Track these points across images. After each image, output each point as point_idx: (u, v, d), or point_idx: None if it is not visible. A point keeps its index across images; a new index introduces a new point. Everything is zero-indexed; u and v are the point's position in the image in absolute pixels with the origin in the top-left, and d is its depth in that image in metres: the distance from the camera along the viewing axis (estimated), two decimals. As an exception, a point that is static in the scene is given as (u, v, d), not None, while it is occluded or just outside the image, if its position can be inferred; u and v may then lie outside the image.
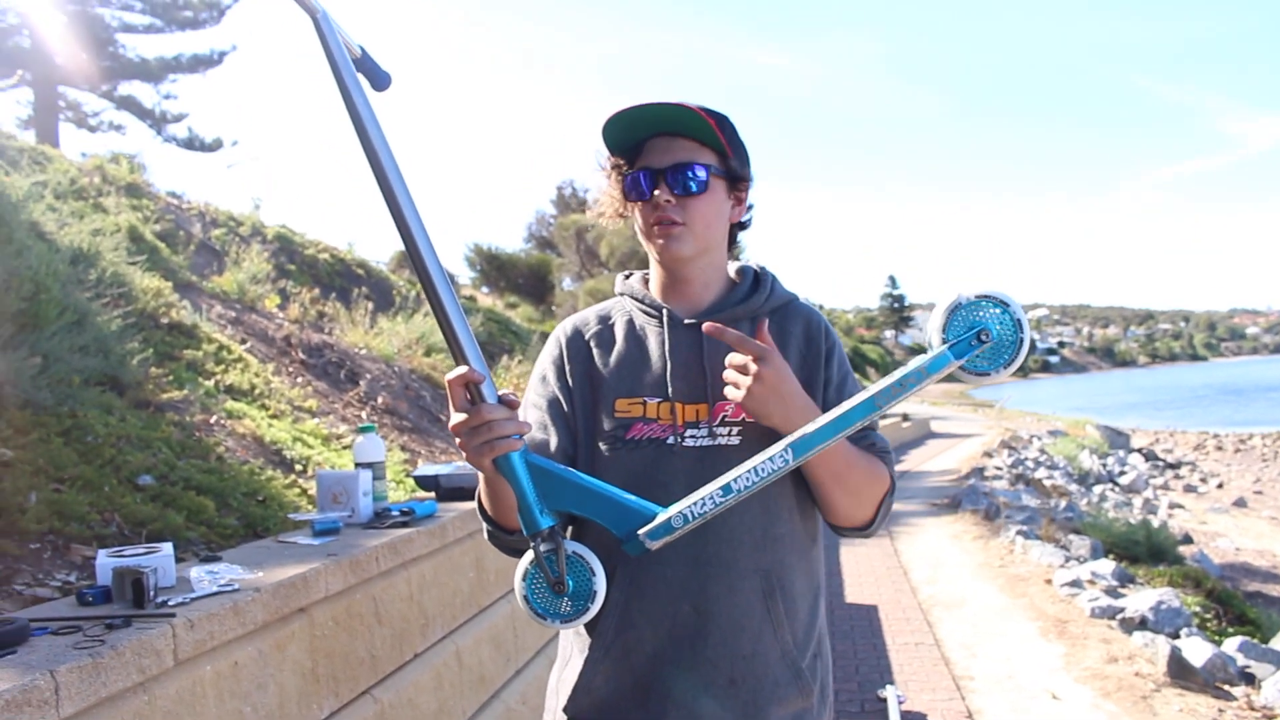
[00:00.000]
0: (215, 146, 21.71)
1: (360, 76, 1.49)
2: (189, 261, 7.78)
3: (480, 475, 1.59)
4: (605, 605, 1.64)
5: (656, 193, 1.67)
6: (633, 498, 1.50)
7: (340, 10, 1.50)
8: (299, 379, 6.61)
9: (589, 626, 1.69)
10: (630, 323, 1.79)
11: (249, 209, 10.79)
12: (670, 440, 1.66)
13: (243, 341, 6.52)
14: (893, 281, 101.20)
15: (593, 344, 1.78)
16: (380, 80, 1.55)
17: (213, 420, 4.68)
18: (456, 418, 1.44)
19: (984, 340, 1.37)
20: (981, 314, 1.38)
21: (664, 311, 1.74)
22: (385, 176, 1.45)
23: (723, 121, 1.70)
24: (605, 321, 1.81)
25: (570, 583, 1.47)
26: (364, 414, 6.57)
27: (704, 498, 1.45)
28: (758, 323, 1.68)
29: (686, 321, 1.73)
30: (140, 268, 5.94)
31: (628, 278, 1.88)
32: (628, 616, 1.65)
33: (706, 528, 1.61)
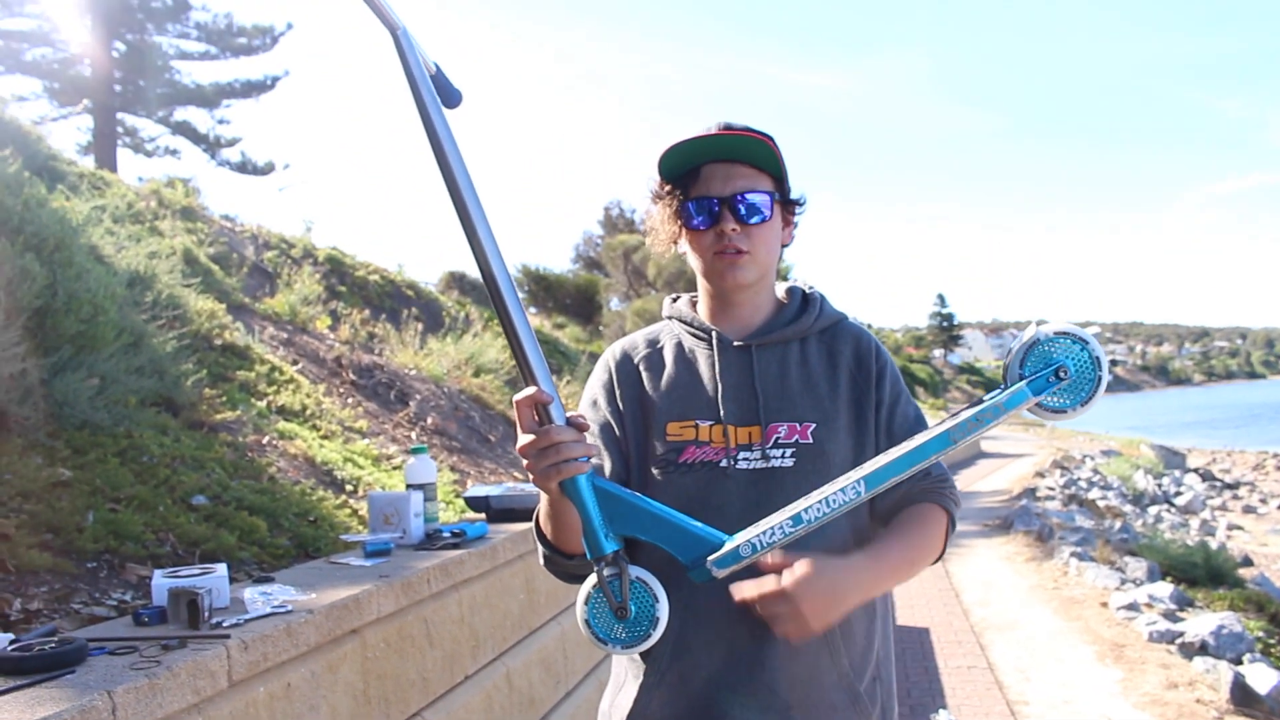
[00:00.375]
0: (268, 170, 22.09)
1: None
2: (242, 283, 7.90)
3: (542, 497, 1.58)
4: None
5: (723, 222, 1.66)
6: (699, 524, 1.49)
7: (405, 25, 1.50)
8: (349, 400, 6.67)
9: (644, 653, 1.66)
10: (679, 346, 1.78)
11: (301, 231, 10.95)
12: (723, 463, 1.65)
13: (294, 363, 6.60)
14: (941, 300, 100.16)
15: (642, 368, 1.78)
16: (452, 98, 1.55)
17: (265, 441, 4.73)
18: (524, 439, 1.43)
19: (1062, 377, 1.37)
20: (1059, 351, 1.38)
21: (713, 334, 1.74)
22: (461, 195, 1.45)
23: (773, 143, 1.70)
24: (654, 345, 1.81)
25: (633, 608, 1.45)
26: (414, 434, 6.62)
27: (773, 527, 1.44)
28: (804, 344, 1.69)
29: (736, 344, 1.72)
30: (195, 290, 6.04)
31: (675, 300, 1.87)
32: (684, 642, 1.64)
33: None
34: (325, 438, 5.40)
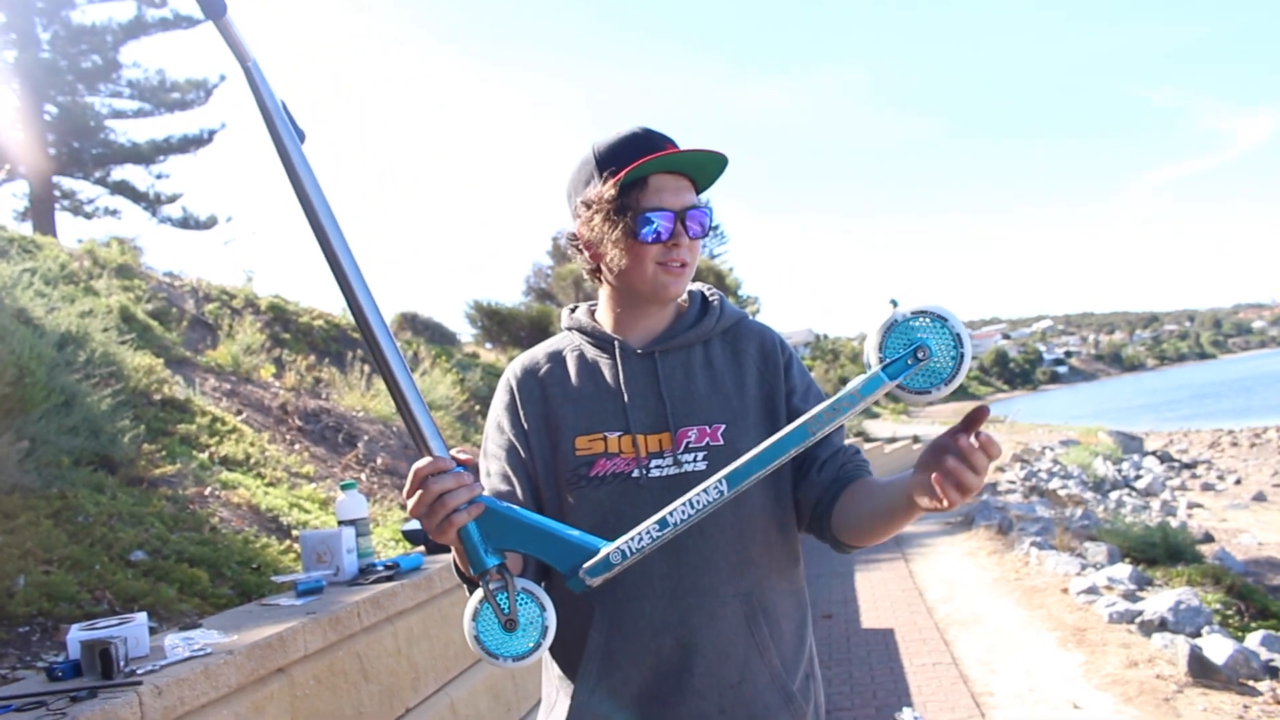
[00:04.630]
0: (210, 224, 21.87)
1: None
2: (182, 338, 7.84)
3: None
4: (587, 648, 1.62)
5: (677, 236, 1.65)
6: (576, 533, 1.47)
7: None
8: (296, 445, 6.63)
9: (571, 669, 1.66)
10: (581, 357, 1.75)
11: (242, 282, 10.87)
12: (635, 473, 1.63)
13: (238, 413, 6.55)
14: (894, 304, 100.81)
15: (545, 383, 1.74)
16: (298, 136, 1.51)
17: (207, 492, 4.69)
18: (410, 500, 1.40)
19: (921, 358, 1.32)
20: (919, 330, 1.33)
21: (616, 343, 1.72)
22: (324, 231, 1.41)
23: None
24: (555, 359, 1.77)
25: (520, 619, 1.44)
26: (363, 475, 6.58)
27: (641, 532, 1.42)
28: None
29: (639, 351, 1.70)
30: (131, 346, 5.98)
31: (574, 311, 1.84)
32: (610, 657, 1.62)
33: (681, 556, 1.60)
34: (270, 485, 5.37)
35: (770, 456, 1.39)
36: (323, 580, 2.90)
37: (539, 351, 1.80)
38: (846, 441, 1.76)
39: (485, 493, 1.47)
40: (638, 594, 1.61)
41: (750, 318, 1.83)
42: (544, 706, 1.76)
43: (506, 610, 1.42)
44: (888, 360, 1.34)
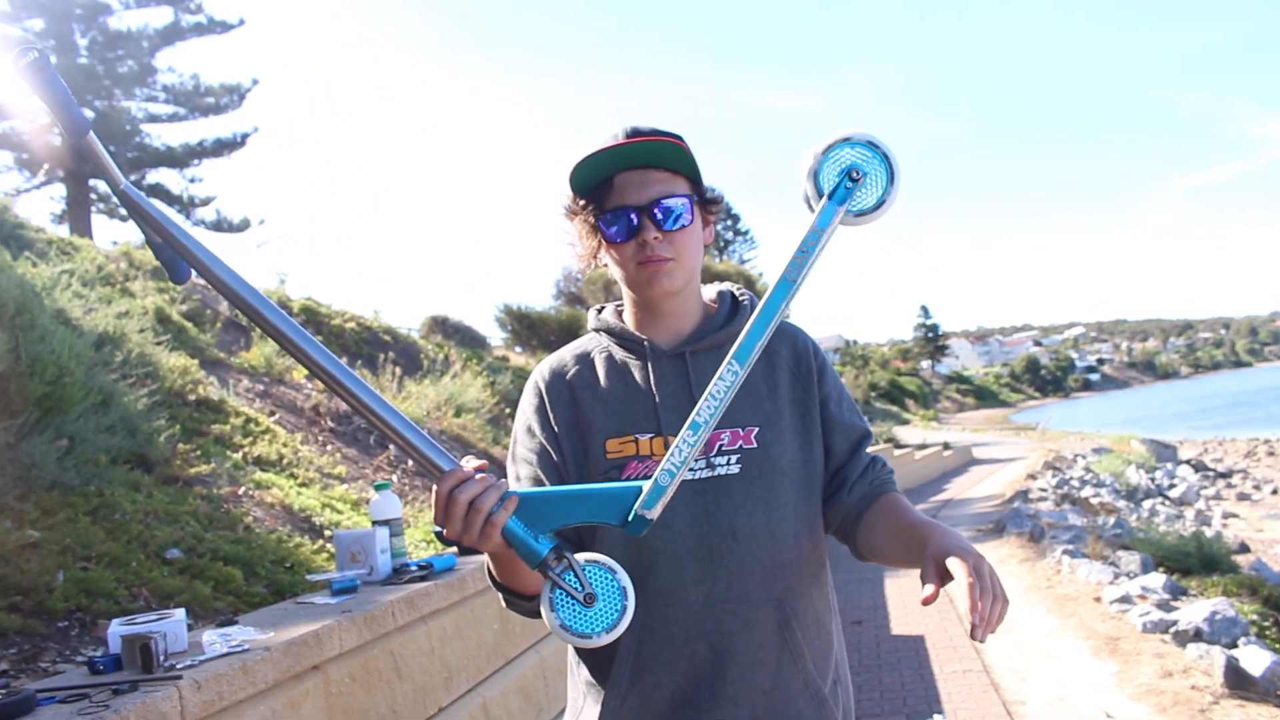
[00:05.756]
0: (243, 227, 22.13)
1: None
2: (216, 339, 7.91)
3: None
4: (618, 652, 1.60)
5: (643, 231, 1.61)
6: (612, 485, 1.44)
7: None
8: (328, 446, 6.68)
9: (602, 674, 1.64)
10: (610, 359, 1.72)
11: (275, 284, 10.96)
12: None
13: (271, 413, 6.60)
14: (925, 311, 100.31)
15: (574, 385, 1.70)
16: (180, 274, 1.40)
17: (241, 491, 4.73)
18: (445, 521, 1.35)
19: (856, 179, 1.41)
20: (844, 158, 1.43)
21: (645, 344, 1.69)
22: (281, 333, 1.33)
23: (683, 143, 1.65)
24: (584, 360, 1.74)
25: (597, 591, 1.39)
26: (394, 477, 6.61)
27: (678, 445, 1.39)
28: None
29: (670, 353, 1.68)
30: (166, 347, 6.05)
31: (600, 311, 1.82)
32: (642, 662, 1.60)
33: (715, 561, 1.59)
34: (303, 485, 5.41)
35: (765, 320, 1.41)
36: (357, 579, 2.92)
37: (566, 354, 1.77)
38: (874, 449, 1.75)
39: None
40: (671, 599, 1.59)
41: (784, 320, 1.81)
42: (570, 710, 1.74)
43: (580, 588, 1.38)
44: (828, 191, 1.42)
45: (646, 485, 1.40)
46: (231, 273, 1.32)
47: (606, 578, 1.40)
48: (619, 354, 1.73)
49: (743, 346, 1.40)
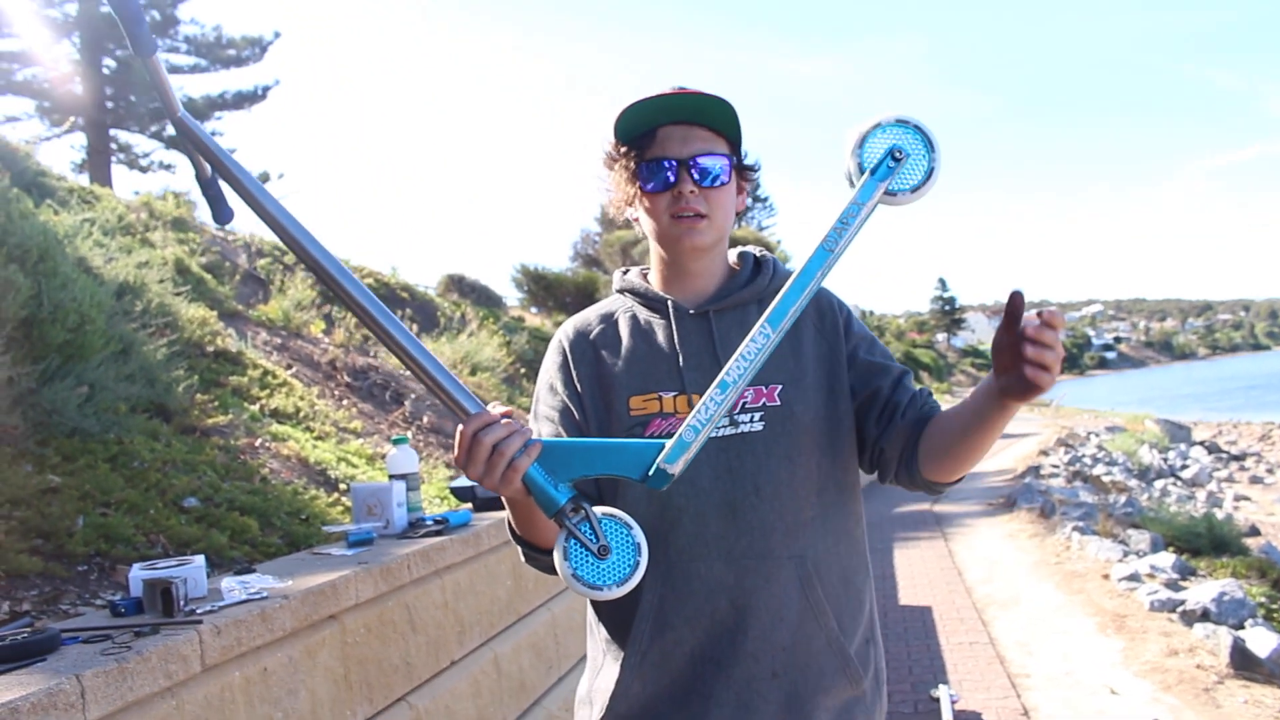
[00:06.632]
0: (263, 180, 22.08)
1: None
2: (235, 291, 7.94)
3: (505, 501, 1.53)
4: (639, 608, 1.62)
5: (680, 184, 1.63)
6: (635, 440, 1.46)
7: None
8: (344, 401, 6.71)
9: (622, 631, 1.66)
10: (634, 318, 1.74)
11: (293, 239, 10.96)
12: None
13: (288, 367, 6.63)
14: (943, 284, 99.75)
15: (598, 344, 1.73)
16: (224, 215, 1.48)
17: (257, 443, 4.76)
18: (466, 462, 1.36)
19: (899, 158, 1.44)
20: (887, 138, 1.46)
21: (669, 303, 1.71)
22: (311, 256, 1.39)
23: (730, 107, 1.65)
24: (608, 320, 1.77)
25: (611, 544, 1.40)
26: (409, 433, 6.65)
27: (705, 402, 1.40)
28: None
29: (693, 311, 1.69)
30: (186, 298, 6.07)
31: (625, 273, 1.83)
32: (663, 618, 1.62)
33: (737, 517, 1.60)
34: (319, 439, 5.44)
35: (801, 285, 1.42)
36: (374, 532, 2.95)
37: (591, 313, 1.80)
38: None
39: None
40: (693, 555, 1.60)
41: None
42: (589, 668, 1.76)
43: (594, 539, 1.39)
44: (870, 169, 1.45)
45: (670, 441, 1.41)
46: (279, 205, 1.37)
47: (622, 532, 1.41)
48: (643, 314, 1.75)
49: (776, 310, 1.41)
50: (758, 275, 1.76)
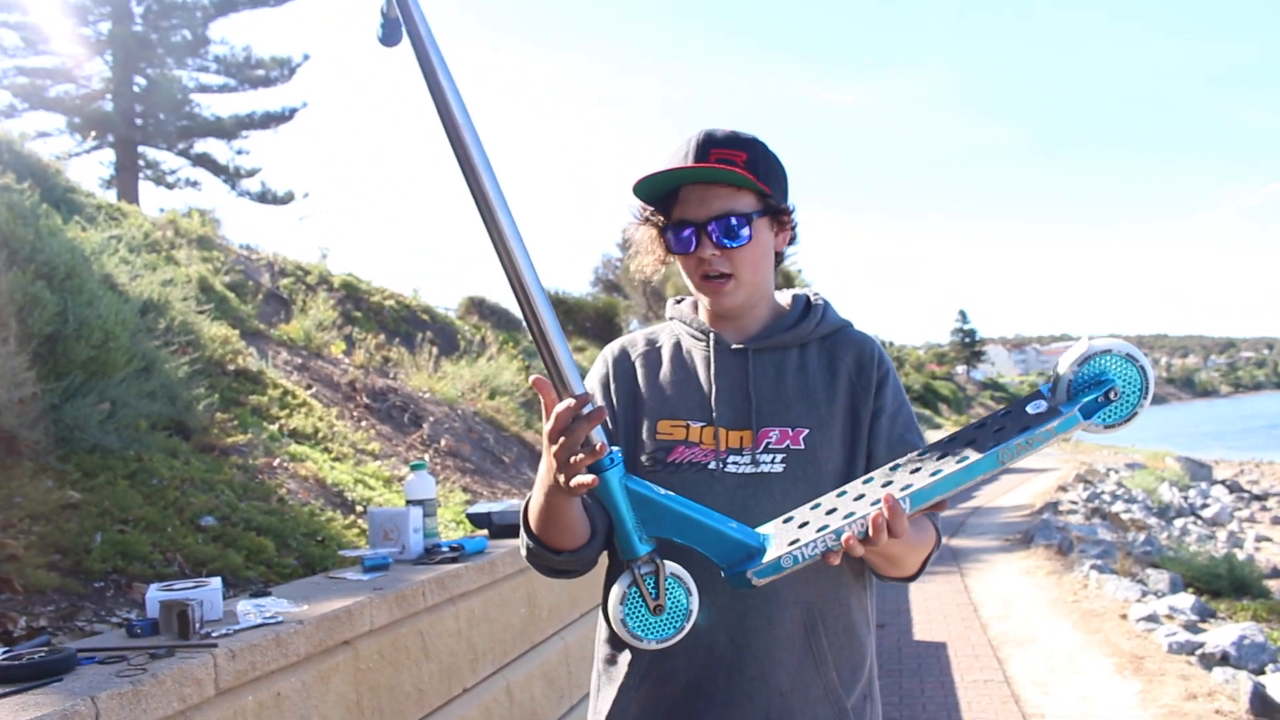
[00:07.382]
0: (287, 200, 22.33)
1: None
2: (257, 310, 7.99)
3: (537, 493, 1.53)
4: None
5: (700, 248, 1.64)
6: (735, 526, 1.47)
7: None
8: (363, 423, 6.73)
9: (621, 657, 1.68)
10: (678, 346, 1.78)
11: (316, 258, 11.05)
12: (712, 465, 1.63)
13: (308, 387, 6.66)
14: (963, 316, 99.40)
15: (638, 364, 1.77)
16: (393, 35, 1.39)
17: (275, 463, 4.78)
18: (555, 445, 1.38)
19: (1111, 399, 1.37)
20: (1111, 368, 1.38)
21: (711, 336, 1.73)
22: (477, 176, 1.39)
23: (756, 153, 1.66)
24: (653, 344, 1.81)
25: (667, 604, 1.45)
26: (427, 456, 6.65)
27: (815, 540, 1.40)
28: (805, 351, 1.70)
29: (734, 346, 1.71)
30: (208, 316, 6.12)
31: (679, 302, 1.87)
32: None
33: None
34: (337, 460, 5.46)
35: (959, 479, 1.40)
36: (389, 557, 2.96)
37: (639, 335, 1.85)
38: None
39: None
40: (699, 588, 1.60)
41: (854, 327, 1.81)
42: (591, 691, 1.78)
43: (655, 596, 1.43)
44: (1083, 399, 1.38)
45: (769, 555, 1.42)
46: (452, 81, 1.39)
47: (681, 596, 1.46)
48: (687, 342, 1.79)
49: (920, 493, 1.39)
50: (804, 319, 1.76)
